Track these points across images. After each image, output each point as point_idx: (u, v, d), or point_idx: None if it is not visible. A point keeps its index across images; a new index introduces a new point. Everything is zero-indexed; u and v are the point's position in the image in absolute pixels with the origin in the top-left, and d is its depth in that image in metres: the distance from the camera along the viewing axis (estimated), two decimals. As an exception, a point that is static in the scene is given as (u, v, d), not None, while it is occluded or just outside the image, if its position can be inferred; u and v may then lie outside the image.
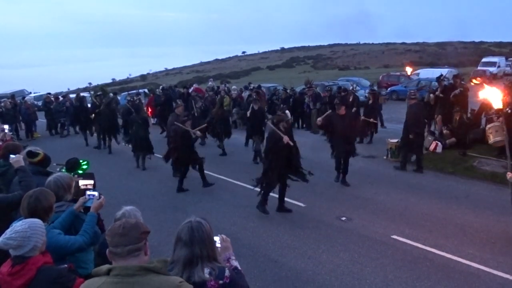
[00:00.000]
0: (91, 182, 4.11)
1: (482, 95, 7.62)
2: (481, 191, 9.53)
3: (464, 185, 10.01)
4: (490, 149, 11.19)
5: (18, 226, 2.90)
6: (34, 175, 4.67)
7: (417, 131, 10.82)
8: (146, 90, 26.60)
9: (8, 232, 2.87)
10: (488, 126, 11.10)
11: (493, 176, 10.19)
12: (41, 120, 20.52)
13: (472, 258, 6.42)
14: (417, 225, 7.74)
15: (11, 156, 4.86)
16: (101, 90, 21.59)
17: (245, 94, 20.48)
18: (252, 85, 22.43)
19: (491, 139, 10.80)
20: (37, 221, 3.02)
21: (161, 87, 22.95)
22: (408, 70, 16.45)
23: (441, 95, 13.45)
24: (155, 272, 2.37)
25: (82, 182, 4.10)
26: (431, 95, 14.08)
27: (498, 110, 11.03)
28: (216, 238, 2.81)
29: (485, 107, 12.59)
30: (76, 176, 4.69)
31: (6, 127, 10.39)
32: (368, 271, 6.18)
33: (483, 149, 11.53)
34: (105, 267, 2.42)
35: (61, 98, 20.84)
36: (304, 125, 18.64)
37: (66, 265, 3.07)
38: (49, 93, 22.18)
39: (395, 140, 12.65)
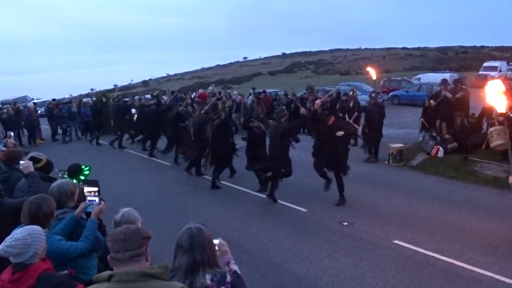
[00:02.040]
0: (96, 189, 4.13)
1: (487, 99, 7.60)
2: (483, 195, 9.52)
3: (466, 189, 9.99)
4: (492, 153, 11.17)
5: (18, 233, 2.90)
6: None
7: (373, 128, 12.96)
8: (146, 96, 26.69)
9: (8, 240, 2.87)
10: (490, 129, 11.09)
11: (495, 180, 10.17)
12: (43, 126, 20.58)
13: (474, 262, 6.40)
14: (419, 229, 7.72)
15: (21, 162, 4.91)
16: (103, 96, 21.63)
17: (249, 100, 20.56)
18: (256, 90, 22.52)
19: (493, 142, 10.78)
20: (37, 228, 3.02)
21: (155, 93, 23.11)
22: (372, 73, 15.31)
23: (453, 98, 13.19)
24: (156, 278, 2.37)
25: (86, 189, 4.13)
26: (431, 101, 14.03)
27: (500, 114, 11.03)
28: (215, 241, 2.82)
29: (486, 111, 12.58)
30: (80, 183, 4.72)
31: (11, 133, 10.52)
32: (370, 276, 6.17)
33: (485, 153, 11.51)
34: (106, 273, 2.42)
35: (67, 105, 20.98)
36: (305, 130, 18.64)
37: (66, 272, 3.07)
38: (54, 99, 22.30)
39: (397, 145, 12.67)
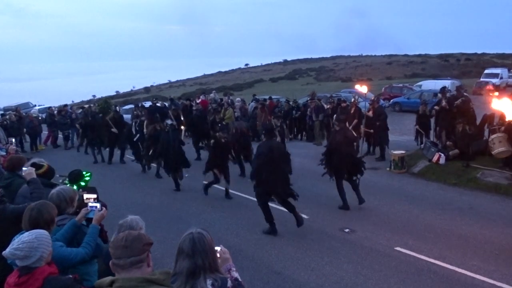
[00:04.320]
0: (94, 196, 4.15)
1: (495, 105, 7.62)
2: (485, 202, 9.50)
3: (468, 196, 9.97)
4: (494, 160, 11.16)
5: (25, 236, 2.94)
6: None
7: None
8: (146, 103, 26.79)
9: (15, 243, 2.91)
10: (492, 136, 11.10)
11: (497, 187, 10.16)
12: (45, 133, 20.62)
13: (476, 270, 6.38)
14: (421, 236, 7.71)
15: (23, 168, 4.93)
16: (104, 103, 21.74)
17: (251, 106, 20.63)
18: (257, 97, 22.62)
19: (494, 150, 10.78)
20: (43, 232, 3.04)
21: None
22: (363, 89, 14.98)
23: (447, 107, 13.37)
24: (157, 284, 2.38)
25: (86, 196, 4.14)
26: (435, 107, 14.05)
27: (503, 121, 11.05)
28: (217, 248, 2.82)
29: (488, 118, 12.59)
30: (80, 190, 4.73)
31: (13, 140, 10.56)
32: (371, 283, 6.15)
33: (487, 160, 11.50)
34: (108, 279, 2.43)
35: (69, 110, 21.12)
36: (306, 137, 18.70)
37: (71, 276, 3.09)
38: (66, 105, 22.60)
39: (399, 152, 12.67)
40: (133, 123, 14.08)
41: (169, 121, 12.82)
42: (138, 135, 13.70)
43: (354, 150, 10.13)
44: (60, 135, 20.07)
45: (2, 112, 24.55)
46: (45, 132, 20.63)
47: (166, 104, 22.42)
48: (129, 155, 14.81)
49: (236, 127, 13.16)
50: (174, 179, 11.44)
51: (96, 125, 16.07)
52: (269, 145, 8.06)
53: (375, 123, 13.91)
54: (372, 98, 15.94)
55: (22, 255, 2.86)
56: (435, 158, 12.24)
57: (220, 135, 10.38)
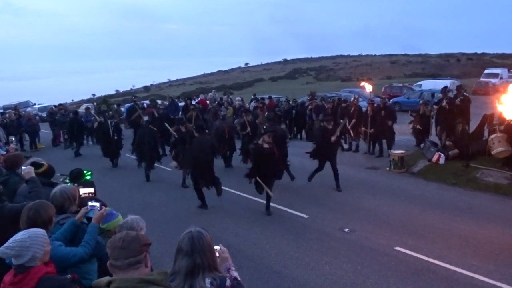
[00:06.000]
0: (91, 190, 4.13)
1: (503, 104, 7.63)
2: (484, 202, 9.48)
3: (467, 196, 9.96)
4: (493, 160, 11.16)
5: (19, 235, 2.93)
6: (37, 186, 4.70)
7: None
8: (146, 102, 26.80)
9: (9, 241, 2.90)
10: (491, 136, 11.10)
11: (496, 187, 10.14)
12: (44, 131, 20.60)
13: (475, 270, 6.37)
14: (420, 236, 7.70)
15: (22, 167, 4.93)
16: (103, 102, 21.73)
17: (251, 106, 20.60)
18: (257, 97, 22.63)
19: (494, 150, 10.79)
20: (39, 231, 3.01)
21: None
22: (367, 87, 15.07)
23: (447, 107, 13.38)
24: (155, 284, 2.37)
25: (82, 191, 4.12)
26: (434, 106, 14.08)
27: (502, 121, 11.06)
28: (216, 248, 2.82)
29: (487, 118, 12.59)
30: (75, 185, 4.72)
31: (13, 138, 10.60)
32: (371, 283, 6.15)
33: (486, 160, 11.48)
34: (105, 279, 2.43)
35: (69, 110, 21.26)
36: (306, 136, 18.69)
37: (69, 276, 3.07)
38: (61, 104, 22.88)
39: (398, 152, 12.67)
40: (110, 123, 14.64)
41: (145, 118, 14.06)
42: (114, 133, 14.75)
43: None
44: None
45: (1, 110, 24.55)
46: (44, 131, 20.61)
47: (166, 103, 22.38)
48: (129, 155, 14.80)
49: (217, 126, 13.91)
50: (183, 176, 11.75)
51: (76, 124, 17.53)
52: (199, 140, 9.50)
53: (387, 122, 13.89)
54: (381, 101, 15.81)
55: (13, 254, 2.85)
56: (434, 158, 12.23)
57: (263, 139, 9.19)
